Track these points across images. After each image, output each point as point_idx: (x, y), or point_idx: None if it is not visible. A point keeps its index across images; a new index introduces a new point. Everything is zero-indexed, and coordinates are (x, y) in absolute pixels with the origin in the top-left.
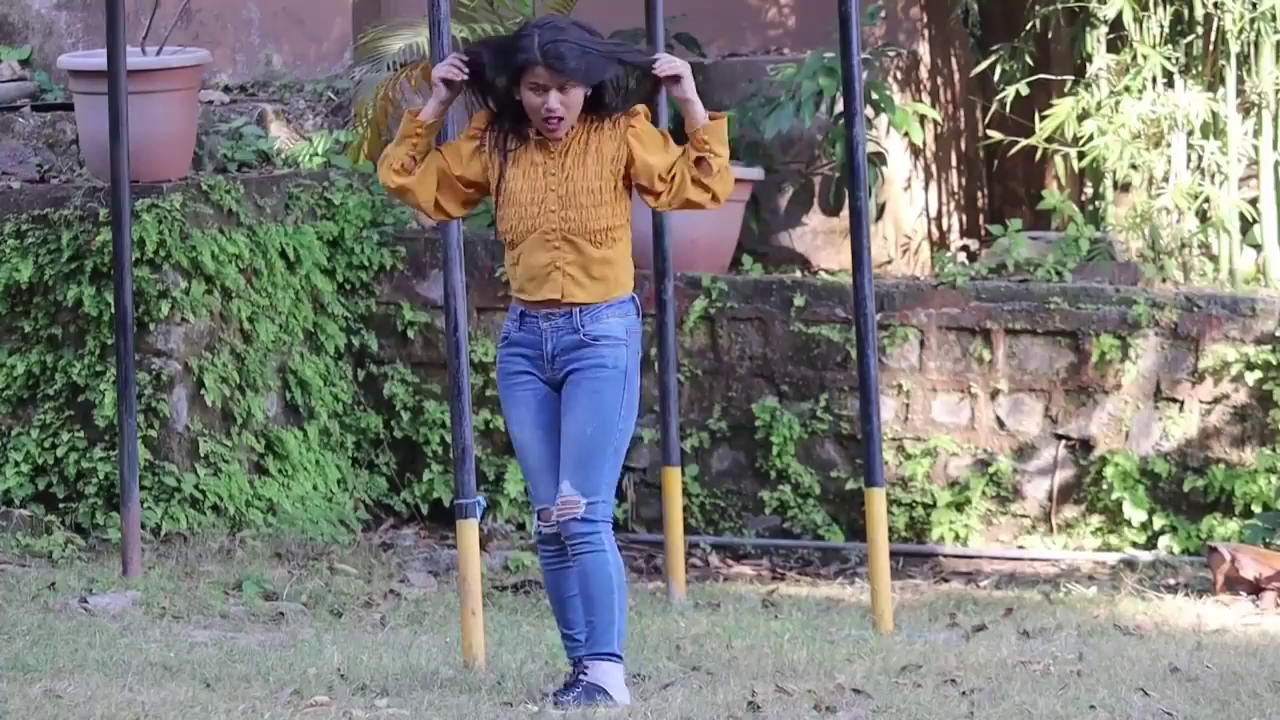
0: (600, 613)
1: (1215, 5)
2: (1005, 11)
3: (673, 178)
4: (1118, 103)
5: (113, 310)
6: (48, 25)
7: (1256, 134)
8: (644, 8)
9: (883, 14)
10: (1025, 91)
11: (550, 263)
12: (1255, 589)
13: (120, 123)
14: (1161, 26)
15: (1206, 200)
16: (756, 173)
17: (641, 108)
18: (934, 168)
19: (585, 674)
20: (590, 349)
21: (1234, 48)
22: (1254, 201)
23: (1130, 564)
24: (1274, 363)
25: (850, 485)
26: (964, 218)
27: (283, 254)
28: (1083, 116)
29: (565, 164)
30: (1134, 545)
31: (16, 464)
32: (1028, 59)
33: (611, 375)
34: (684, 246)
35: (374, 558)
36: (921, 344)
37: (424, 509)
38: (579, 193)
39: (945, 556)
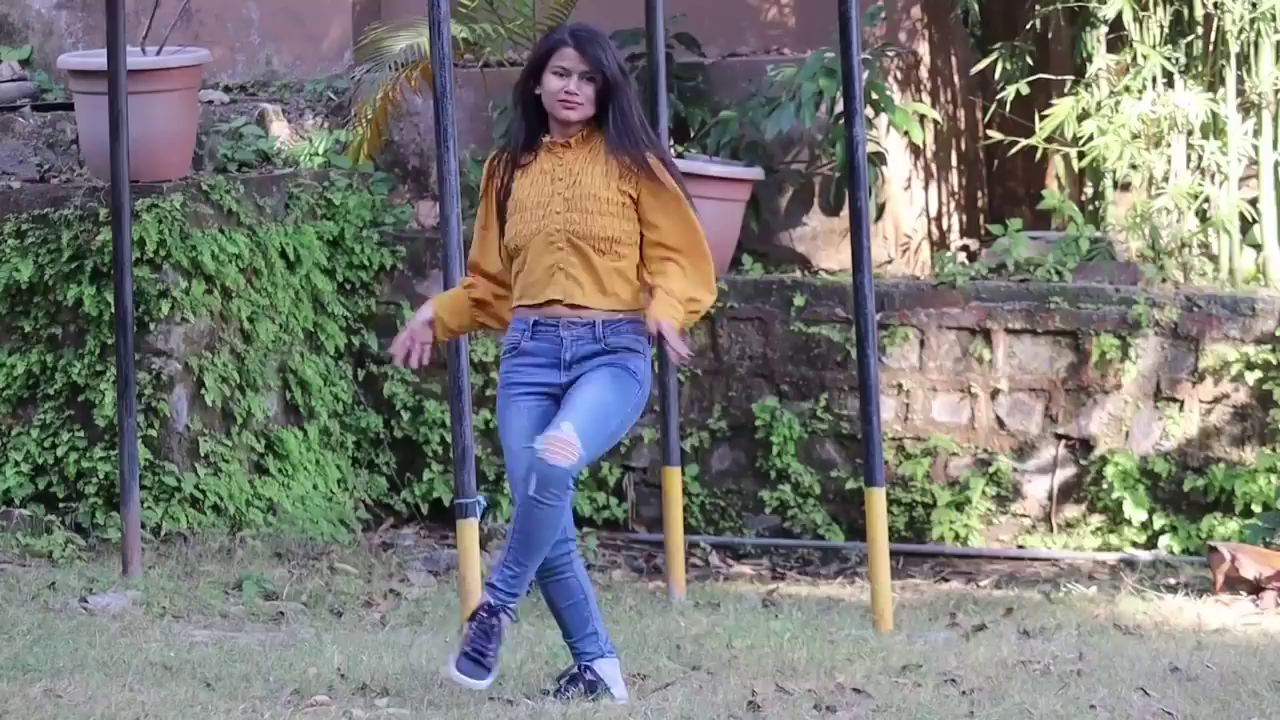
0: (533, 560)
1: (1215, 5)
2: (1005, 11)
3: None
4: (1118, 103)
5: (113, 310)
6: (48, 25)
7: (1256, 134)
8: (644, 8)
9: (883, 14)
10: (1025, 91)
11: (554, 264)
12: (1255, 588)
13: (120, 123)
14: (1161, 26)
15: (1206, 200)
16: (756, 173)
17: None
18: (934, 167)
19: (586, 673)
20: (612, 354)
21: (1234, 48)
22: (1254, 201)
23: (1130, 564)
24: (1274, 362)
25: (850, 485)
26: (964, 217)
27: (283, 254)
28: (1083, 116)
29: (574, 169)
30: (1134, 545)
31: (16, 464)
32: (1028, 59)
33: (630, 376)
34: None
35: (374, 557)
36: (921, 344)
37: (424, 509)
38: (585, 197)
39: (945, 556)
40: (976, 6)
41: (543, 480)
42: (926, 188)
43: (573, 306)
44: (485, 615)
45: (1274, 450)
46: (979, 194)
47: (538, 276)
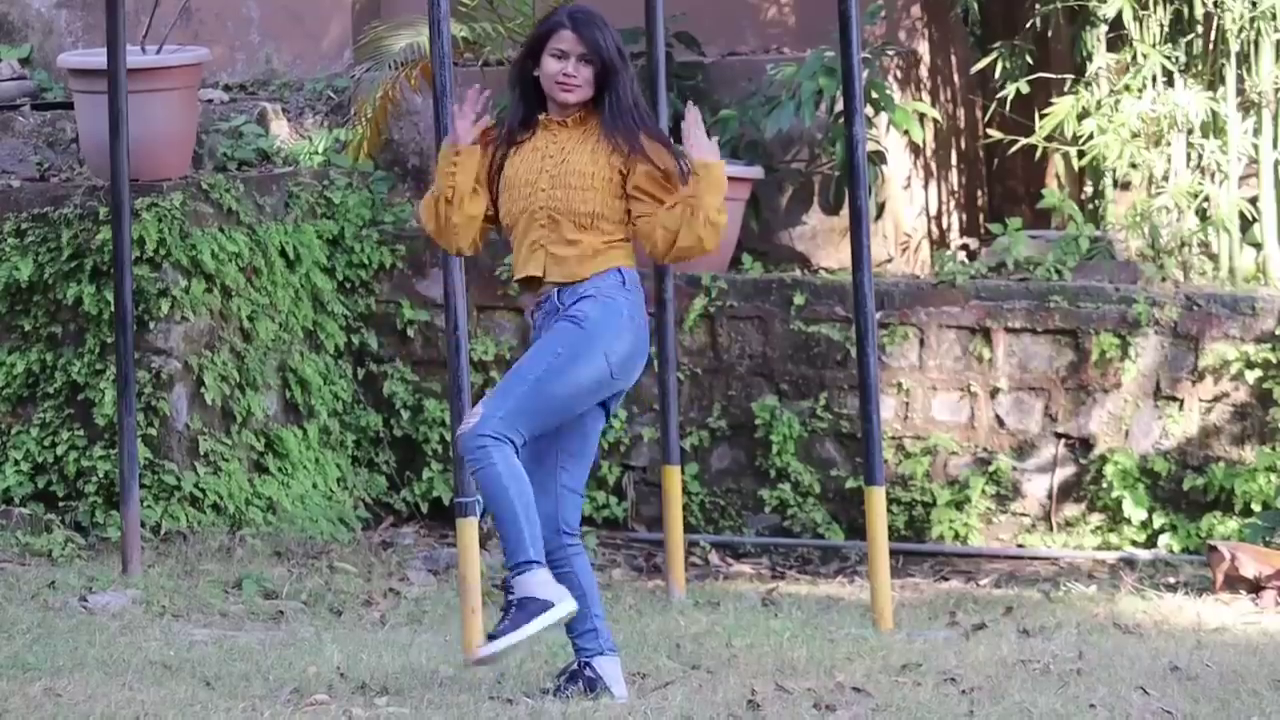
0: (505, 527)
1: (1215, 4)
2: (1005, 10)
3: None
4: (1118, 101)
5: (113, 309)
6: (48, 24)
7: (1256, 133)
8: (644, 7)
9: (882, 13)
10: (1025, 90)
11: (535, 240)
12: (1255, 587)
13: (120, 121)
14: (1161, 25)
15: (1206, 199)
16: (756, 172)
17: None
18: (934, 166)
19: (586, 670)
20: (564, 314)
21: (1234, 46)
22: (1254, 200)
23: (1130, 562)
24: (1274, 361)
25: (850, 484)
26: (964, 216)
27: (282, 252)
28: (1082, 115)
29: (565, 146)
30: (1134, 544)
31: (16, 463)
32: (1027, 58)
33: (564, 324)
34: None
35: (374, 556)
36: (921, 343)
37: (424, 507)
38: (570, 173)
39: (945, 555)
40: (976, 5)
41: (462, 452)
42: (926, 187)
43: (555, 284)
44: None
45: (1274, 449)
46: (979, 193)
47: (523, 253)
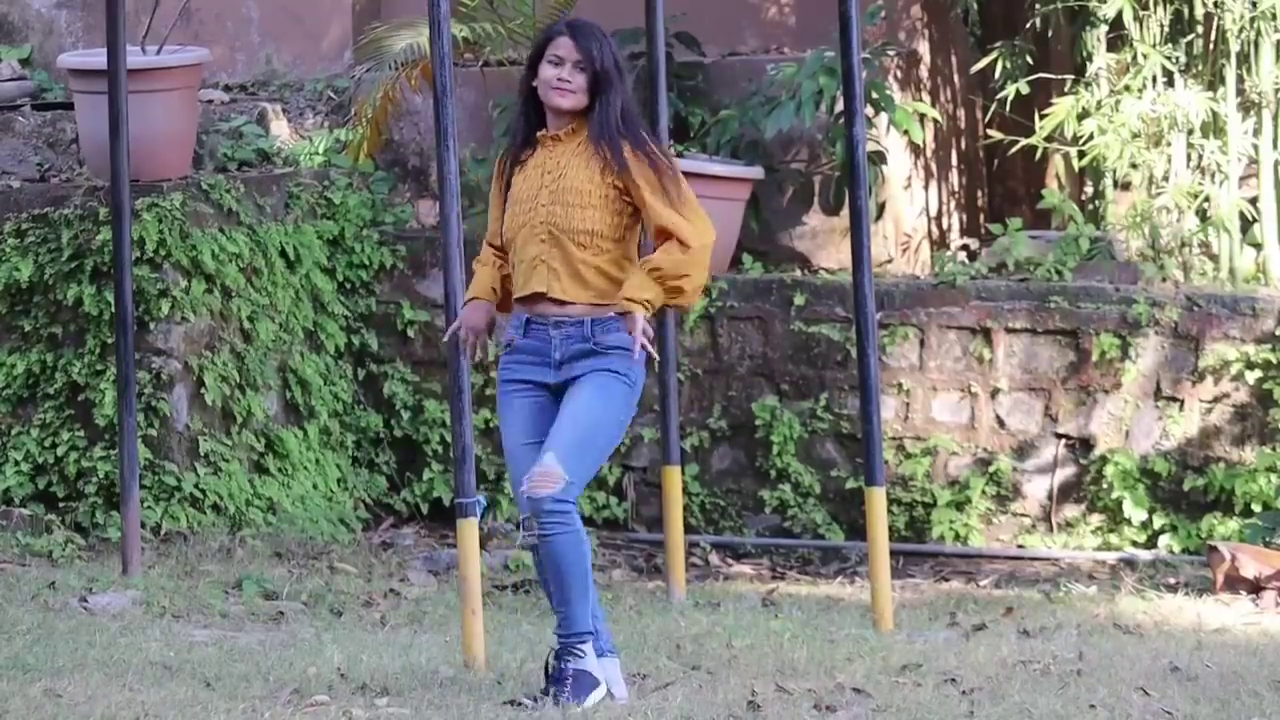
0: (576, 595)
1: (1215, 4)
2: (1005, 10)
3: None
4: (1118, 102)
5: (113, 309)
6: (48, 24)
7: (1256, 133)
8: (644, 7)
9: (882, 13)
10: (1025, 90)
11: (536, 256)
12: (1255, 588)
13: (120, 122)
14: (1161, 26)
15: (1206, 199)
16: (756, 172)
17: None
18: (934, 167)
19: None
20: (603, 357)
21: (1234, 47)
22: (1254, 200)
23: (1130, 563)
24: (1274, 362)
25: (850, 484)
26: (964, 217)
27: (283, 253)
28: (1083, 115)
29: (562, 162)
30: (1134, 544)
31: (16, 463)
32: (1027, 58)
33: (621, 381)
34: None
35: (374, 557)
36: (922, 343)
37: (424, 508)
38: (568, 190)
39: (945, 556)
40: (976, 5)
41: (536, 514)
42: (926, 187)
43: (556, 302)
44: (551, 661)
45: (1274, 450)
46: (979, 193)
47: (523, 269)
